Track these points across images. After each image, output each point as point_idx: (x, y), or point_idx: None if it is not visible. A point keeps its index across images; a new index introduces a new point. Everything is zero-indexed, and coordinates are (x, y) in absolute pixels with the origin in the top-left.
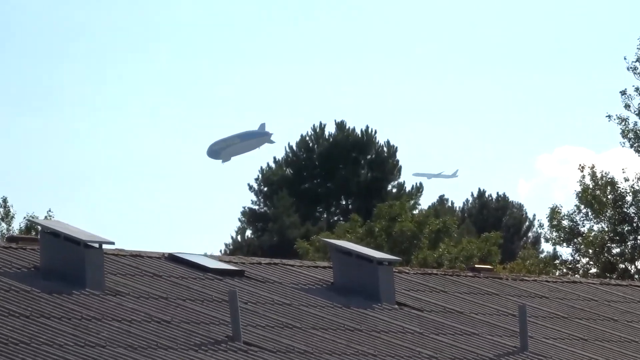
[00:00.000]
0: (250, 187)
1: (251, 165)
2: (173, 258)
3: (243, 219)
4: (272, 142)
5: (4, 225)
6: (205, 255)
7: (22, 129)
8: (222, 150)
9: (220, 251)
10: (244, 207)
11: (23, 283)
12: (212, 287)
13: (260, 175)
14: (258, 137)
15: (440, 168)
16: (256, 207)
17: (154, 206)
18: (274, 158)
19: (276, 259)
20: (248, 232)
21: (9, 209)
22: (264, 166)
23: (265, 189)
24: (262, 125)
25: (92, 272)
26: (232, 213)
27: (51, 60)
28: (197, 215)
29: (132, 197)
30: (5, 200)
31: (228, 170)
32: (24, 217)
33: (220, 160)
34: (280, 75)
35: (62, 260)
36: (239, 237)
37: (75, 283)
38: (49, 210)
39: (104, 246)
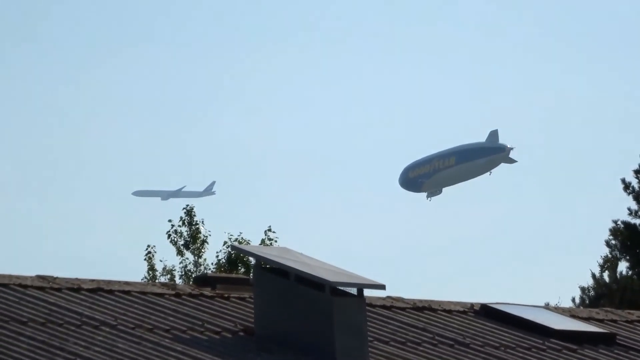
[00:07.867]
0: (627, 186)
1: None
2: (487, 312)
3: (613, 242)
4: (512, 161)
5: (189, 256)
6: (546, 307)
7: (228, 127)
8: (423, 179)
9: (573, 300)
10: (614, 222)
11: (225, 356)
12: None
13: None
14: (488, 156)
15: None
16: (637, 222)
17: (450, 232)
18: None
19: None
20: (622, 266)
21: (198, 227)
22: None
23: None
24: (493, 134)
25: (347, 336)
26: (594, 230)
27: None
28: (530, 244)
29: (406, 219)
30: (190, 212)
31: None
32: (225, 242)
33: (425, 195)
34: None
35: (293, 317)
36: (604, 275)
37: (316, 355)
38: (269, 229)
39: (367, 292)
